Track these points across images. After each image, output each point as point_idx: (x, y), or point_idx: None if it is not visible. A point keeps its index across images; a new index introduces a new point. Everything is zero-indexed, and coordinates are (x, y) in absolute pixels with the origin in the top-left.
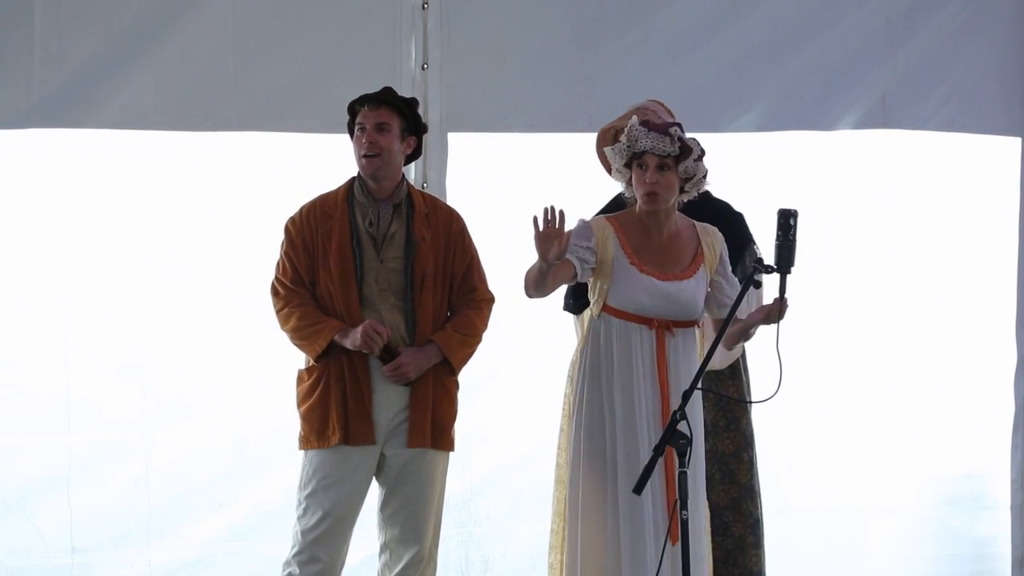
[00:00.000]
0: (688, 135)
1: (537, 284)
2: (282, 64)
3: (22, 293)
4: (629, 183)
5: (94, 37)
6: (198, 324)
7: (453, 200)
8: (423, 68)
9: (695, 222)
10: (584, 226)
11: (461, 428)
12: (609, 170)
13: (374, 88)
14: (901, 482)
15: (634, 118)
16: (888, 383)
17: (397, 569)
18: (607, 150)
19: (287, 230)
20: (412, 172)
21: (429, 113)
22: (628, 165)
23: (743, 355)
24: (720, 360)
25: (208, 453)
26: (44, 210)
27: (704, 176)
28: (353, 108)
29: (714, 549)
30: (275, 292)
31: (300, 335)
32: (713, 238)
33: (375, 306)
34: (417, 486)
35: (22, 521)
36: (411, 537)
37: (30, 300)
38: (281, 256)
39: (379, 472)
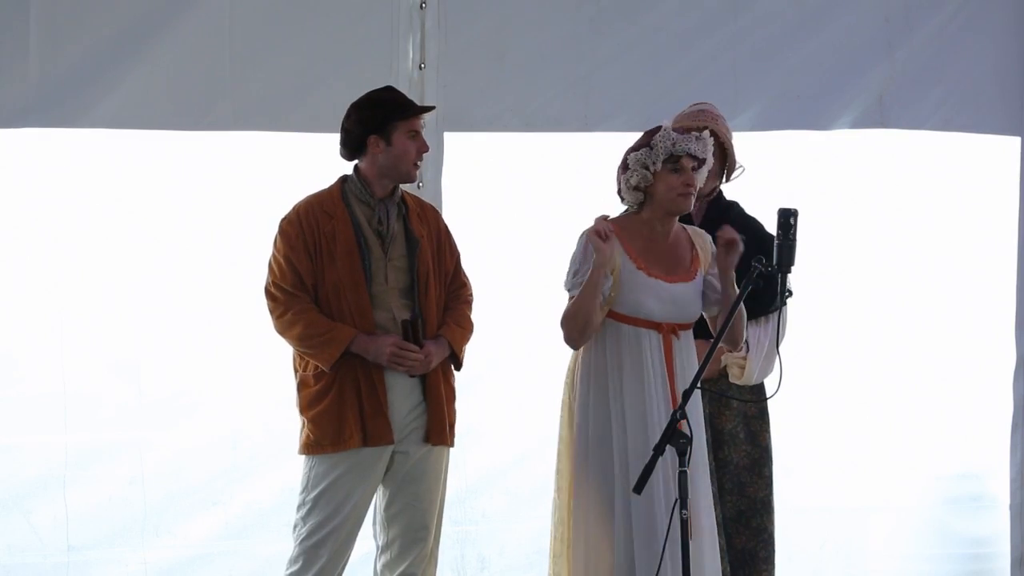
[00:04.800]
0: None
1: (588, 317)
2: (279, 63)
3: (18, 292)
4: (639, 190)
5: (90, 36)
6: (194, 323)
7: (449, 199)
8: (420, 68)
9: (685, 226)
10: (587, 245)
11: (456, 427)
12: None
13: (371, 87)
14: (900, 481)
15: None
16: (887, 382)
17: (401, 568)
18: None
19: (284, 232)
20: None
21: None
22: (649, 170)
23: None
24: (758, 374)
25: (203, 452)
26: (40, 209)
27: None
28: (404, 110)
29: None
30: (272, 297)
31: (310, 343)
32: (704, 239)
33: (386, 305)
34: (425, 483)
35: (18, 520)
36: (418, 535)
37: (26, 299)
38: (277, 259)
39: (387, 469)
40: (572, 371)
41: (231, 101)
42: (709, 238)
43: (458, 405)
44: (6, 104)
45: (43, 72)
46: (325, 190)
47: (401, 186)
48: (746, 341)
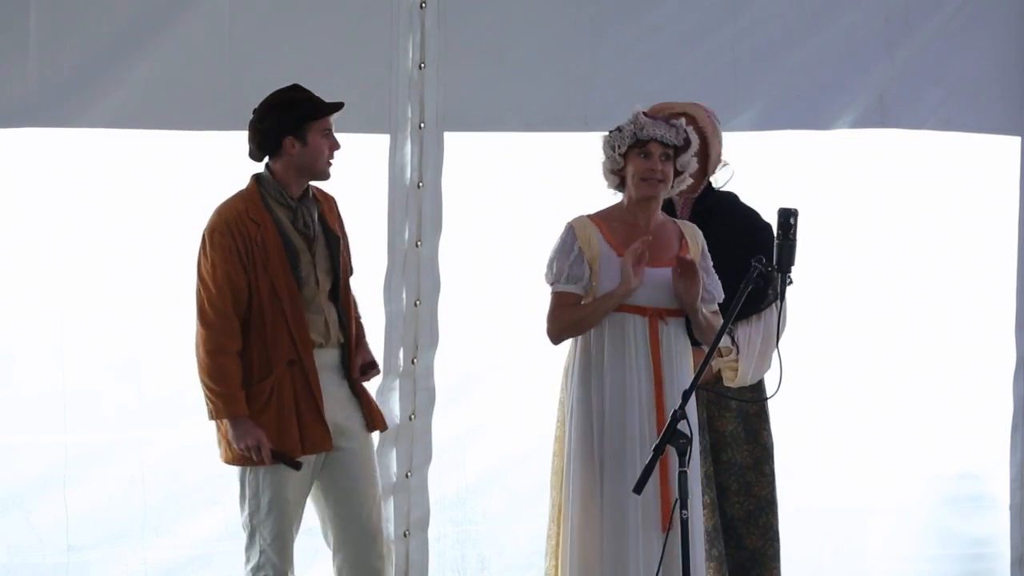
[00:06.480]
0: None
1: (590, 328)
2: (279, 63)
3: (18, 292)
4: (614, 173)
5: (90, 36)
6: (193, 323)
7: (449, 199)
8: (420, 67)
9: (675, 219)
10: (567, 236)
11: (456, 427)
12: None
13: (372, 87)
14: (900, 481)
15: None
16: (887, 382)
17: (362, 571)
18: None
19: (218, 244)
20: (408, 171)
21: (425, 112)
22: (624, 155)
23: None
24: (752, 374)
25: (203, 452)
26: (39, 209)
27: (689, 173)
28: (318, 110)
29: (727, 561)
30: (204, 318)
31: (216, 389)
32: (694, 232)
33: (319, 307)
34: (367, 479)
35: (18, 520)
36: (370, 534)
37: (26, 299)
38: (213, 273)
39: (324, 469)
40: (567, 369)
41: (231, 101)
42: (700, 233)
43: (458, 406)
44: (6, 104)
45: (43, 72)
46: (243, 194)
47: (413, 186)
48: (736, 343)
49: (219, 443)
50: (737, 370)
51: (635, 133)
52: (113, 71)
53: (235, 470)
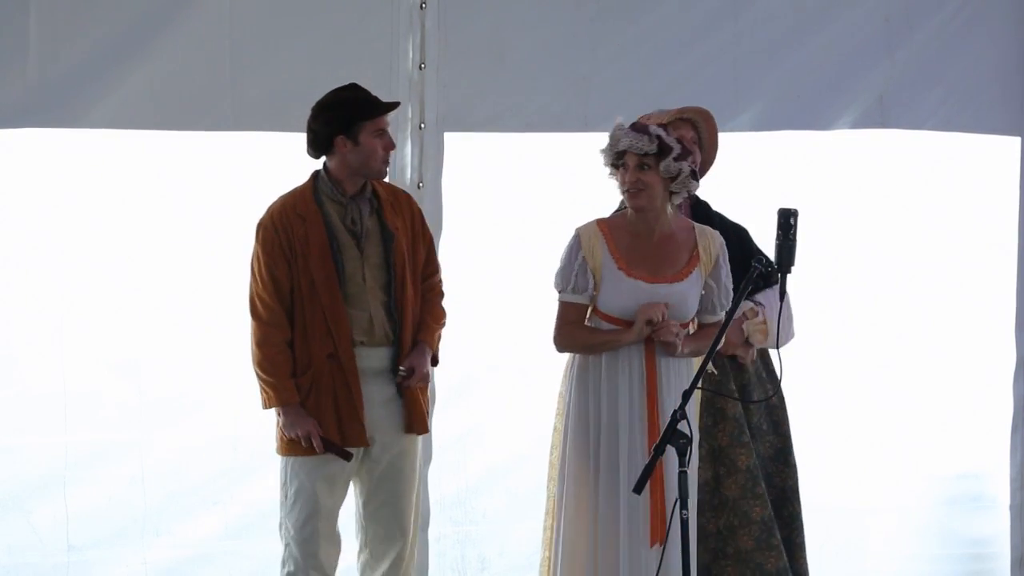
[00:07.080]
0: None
1: (594, 352)
2: (279, 63)
3: (18, 293)
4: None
5: (90, 36)
6: (194, 323)
7: (449, 200)
8: (420, 68)
9: (695, 224)
10: (573, 245)
11: (456, 427)
12: None
13: (372, 88)
14: (900, 482)
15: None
16: (887, 383)
17: (382, 569)
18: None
19: (261, 237)
20: (408, 172)
21: (426, 113)
22: (616, 167)
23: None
24: (782, 335)
25: (204, 452)
26: (39, 210)
27: (690, 175)
28: (370, 109)
29: None
30: (254, 309)
31: (267, 377)
32: (711, 240)
33: (364, 303)
34: (403, 482)
35: (18, 520)
36: (396, 534)
37: (26, 300)
38: (258, 265)
39: (360, 467)
40: (569, 363)
41: (231, 101)
42: (720, 239)
43: (458, 406)
44: (6, 104)
45: (43, 72)
46: (298, 189)
47: (413, 187)
48: (761, 304)
49: (276, 437)
50: (766, 331)
51: (613, 146)
52: (113, 71)
53: (242, 471)
